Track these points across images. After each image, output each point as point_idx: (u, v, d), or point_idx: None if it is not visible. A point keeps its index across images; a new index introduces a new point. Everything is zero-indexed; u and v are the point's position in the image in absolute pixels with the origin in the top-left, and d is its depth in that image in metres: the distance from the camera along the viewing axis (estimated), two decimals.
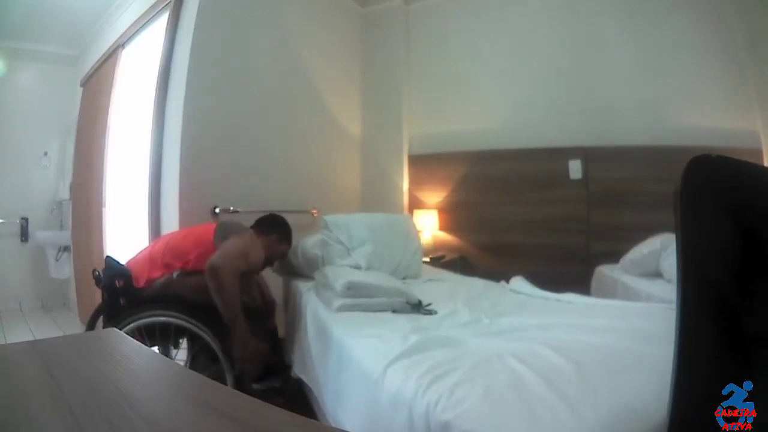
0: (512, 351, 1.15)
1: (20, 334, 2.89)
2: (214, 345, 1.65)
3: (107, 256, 1.75)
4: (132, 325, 1.57)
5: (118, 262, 1.71)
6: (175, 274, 1.67)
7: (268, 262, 2.00)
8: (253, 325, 1.71)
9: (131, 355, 0.72)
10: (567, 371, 1.02)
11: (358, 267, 2.09)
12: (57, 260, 3.68)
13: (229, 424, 0.49)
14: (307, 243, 2.26)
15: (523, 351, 1.16)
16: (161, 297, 1.64)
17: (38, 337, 2.48)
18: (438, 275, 2.46)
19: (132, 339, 0.84)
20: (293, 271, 2.28)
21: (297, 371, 1.82)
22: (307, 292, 2.00)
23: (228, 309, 1.58)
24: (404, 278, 2.21)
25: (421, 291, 1.86)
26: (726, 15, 2.47)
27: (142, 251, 1.81)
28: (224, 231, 1.77)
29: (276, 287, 2.30)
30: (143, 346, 0.81)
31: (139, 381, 0.62)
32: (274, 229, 2.02)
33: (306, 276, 2.20)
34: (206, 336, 1.64)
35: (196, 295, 1.62)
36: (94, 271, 1.68)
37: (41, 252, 3.75)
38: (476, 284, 2.22)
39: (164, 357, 0.73)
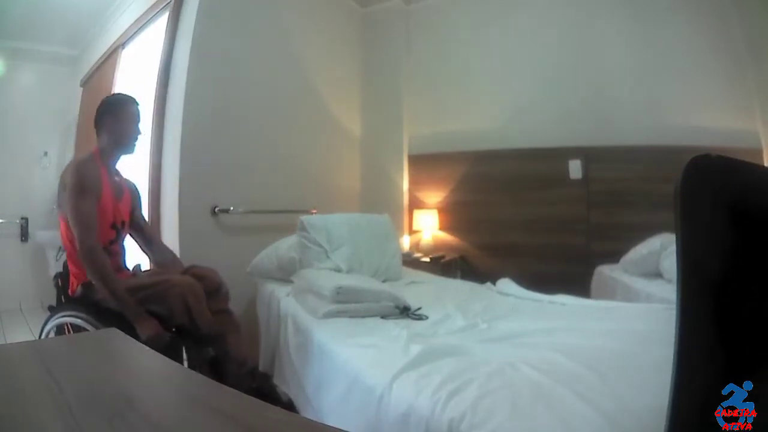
0: (523, 359, 1.10)
1: (20, 334, 2.89)
2: None
3: None
4: (53, 323, 1.55)
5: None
6: None
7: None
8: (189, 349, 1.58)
9: (131, 355, 0.72)
10: (589, 379, 0.97)
11: (338, 270, 1.98)
12: (57, 260, 3.67)
13: (229, 424, 0.49)
14: (282, 245, 2.12)
15: (534, 358, 1.10)
16: (81, 298, 1.58)
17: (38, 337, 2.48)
18: (419, 277, 2.38)
19: (132, 339, 0.84)
20: (267, 275, 2.11)
21: (277, 382, 1.71)
22: (285, 298, 1.87)
23: (108, 291, 1.42)
24: (384, 281, 2.10)
25: (405, 294, 1.75)
26: (726, 15, 2.47)
27: None
28: (60, 195, 1.59)
29: (247, 292, 2.17)
30: (143, 346, 0.81)
31: (139, 381, 0.62)
32: (100, 119, 1.67)
33: (281, 280, 2.04)
34: None
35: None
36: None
37: (41, 252, 3.74)
38: (461, 287, 2.17)
39: (164, 357, 0.73)
